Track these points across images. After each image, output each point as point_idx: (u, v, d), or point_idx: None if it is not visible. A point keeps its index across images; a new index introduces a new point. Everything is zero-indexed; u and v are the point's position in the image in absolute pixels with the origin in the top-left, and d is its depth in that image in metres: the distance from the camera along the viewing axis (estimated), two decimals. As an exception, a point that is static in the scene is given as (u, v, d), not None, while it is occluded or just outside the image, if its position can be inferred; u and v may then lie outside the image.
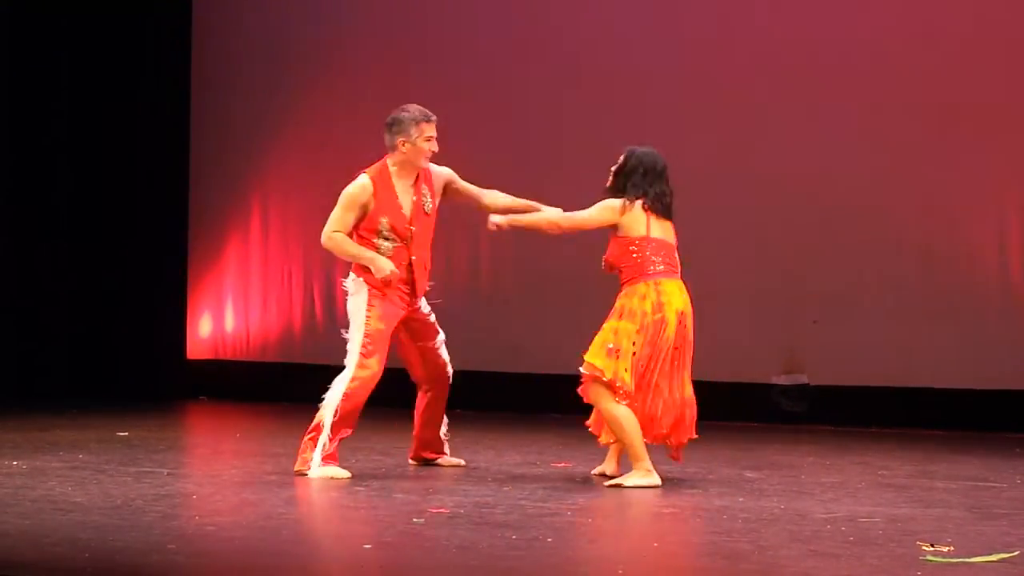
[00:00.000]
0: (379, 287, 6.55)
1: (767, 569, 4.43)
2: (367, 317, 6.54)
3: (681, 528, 5.26)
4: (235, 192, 11.42)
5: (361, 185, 6.59)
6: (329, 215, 6.64)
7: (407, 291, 6.65)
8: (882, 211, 9.55)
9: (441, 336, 6.84)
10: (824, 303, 9.70)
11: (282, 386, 11.06)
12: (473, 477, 6.45)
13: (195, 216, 11.58)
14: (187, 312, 11.54)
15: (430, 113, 6.61)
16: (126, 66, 11.53)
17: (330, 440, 6.46)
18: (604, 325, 6.32)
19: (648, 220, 6.36)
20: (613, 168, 6.52)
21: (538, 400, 10.11)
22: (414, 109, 6.61)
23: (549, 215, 6.61)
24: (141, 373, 11.36)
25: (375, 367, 6.53)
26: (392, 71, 10.86)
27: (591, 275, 10.40)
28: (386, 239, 6.58)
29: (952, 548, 4.67)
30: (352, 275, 6.66)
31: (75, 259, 11.50)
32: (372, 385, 6.54)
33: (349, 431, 6.54)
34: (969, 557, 4.53)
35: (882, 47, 9.66)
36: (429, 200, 6.70)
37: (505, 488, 6.19)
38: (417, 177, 6.66)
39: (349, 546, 4.66)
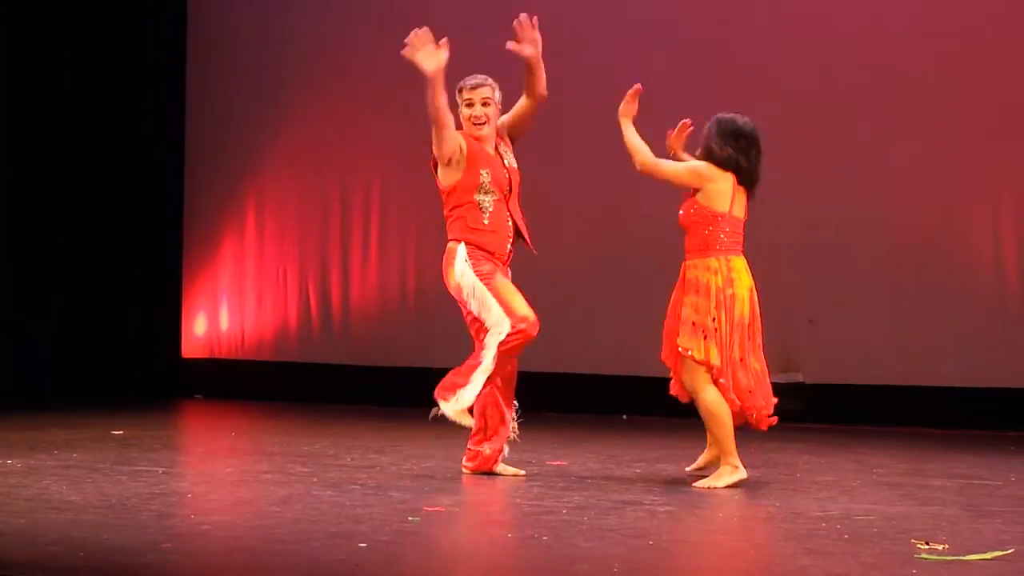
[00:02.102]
0: (485, 247, 6.38)
1: (762, 567, 4.43)
2: (484, 278, 6.34)
3: (676, 526, 5.25)
4: (230, 191, 11.42)
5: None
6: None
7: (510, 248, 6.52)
8: (877, 210, 9.57)
9: None
10: (820, 302, 9.71)
11: (277, 385, 11.07)
12: (468, 475, 6.44)
13: (190, 215, 11.57)
14: (182, 311, 11.54)
15: (470, 78, 6.45)
16: (123, 66, 11.54)
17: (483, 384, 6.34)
18: (684, 299, 6.24)
19: (734, 196, 6.25)
20: (706, 134, 6.31)
21: (534, 398, 10.08)
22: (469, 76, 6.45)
23: (645, 150, 6.31)
24: (136, 372, 11.36)
25: (524, 307, 6.34)
26: (389, 72, 10.84)
27: (588, 274, 10.45)
28: (487, 192, 6.37)
29: (947, 546, 4.67)
30: (460, 249, 6.36)
31: (71, 258, 11.50)
32: (534, 333, 6.36)
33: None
34: (964, 555, 4.53)
35: (878, 47, 9.68)
36: (509, 155, 6.57)
37: (501, 486, 6.18)
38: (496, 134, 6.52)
39: (345, 545, 4.66)
